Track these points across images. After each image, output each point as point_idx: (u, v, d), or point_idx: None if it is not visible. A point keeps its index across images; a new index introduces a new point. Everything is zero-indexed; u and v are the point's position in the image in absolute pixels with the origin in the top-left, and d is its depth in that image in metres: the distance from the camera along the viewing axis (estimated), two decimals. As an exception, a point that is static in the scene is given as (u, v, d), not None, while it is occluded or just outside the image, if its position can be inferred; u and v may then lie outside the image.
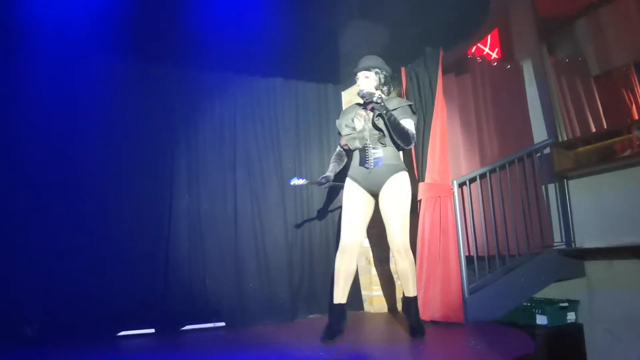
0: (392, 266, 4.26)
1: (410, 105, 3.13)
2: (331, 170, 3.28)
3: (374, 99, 2.90)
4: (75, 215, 3.49)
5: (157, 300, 3.58)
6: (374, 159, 3.03)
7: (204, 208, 3.89)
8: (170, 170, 3.85)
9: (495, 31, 4.87)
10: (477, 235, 3.81)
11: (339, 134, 3.25)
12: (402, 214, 2.97)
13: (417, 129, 3.71)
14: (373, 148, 3.04)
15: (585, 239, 3.91)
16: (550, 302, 3.76)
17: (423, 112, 3.71)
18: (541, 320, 3.64)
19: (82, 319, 3.33)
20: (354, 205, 3.05)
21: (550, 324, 3.61)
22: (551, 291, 3.91)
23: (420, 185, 3.65)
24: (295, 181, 3.24)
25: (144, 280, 3.60)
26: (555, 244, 4.03)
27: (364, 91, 2.99)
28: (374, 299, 4.17)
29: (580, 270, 3.96)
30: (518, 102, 4.46)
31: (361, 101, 3.14)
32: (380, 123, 3.00)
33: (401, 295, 4.09)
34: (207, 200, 3.92)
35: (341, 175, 3.30)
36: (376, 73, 3.10)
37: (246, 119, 4.21)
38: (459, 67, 4.37)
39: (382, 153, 3.02)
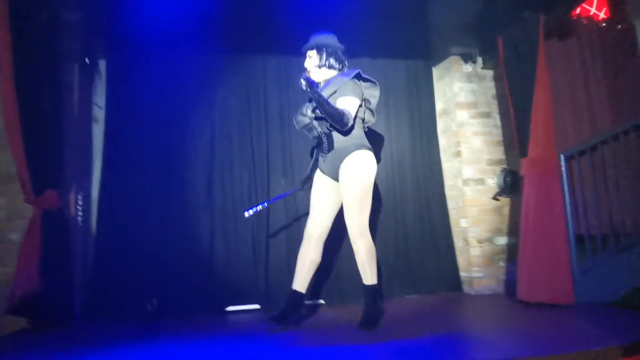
0: (495, 246, 4.11)
1: (355, 77, 2.87)
2: (311, 170, 3.10)
3: (303, 86, 2.66)
4: (185, 203, 3.82)
5: (261, 278, 3.77)
6: (327, 145, 2.89)
7: (299, 192, 3.99)
8: (267, 158, 3.99)
9: (603, -12, 4.43)
10: (588, 213, 3.53)
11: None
12: (358, 197, 2.77)
13: (518, 100, 3.52)
14: (324, 134, 2.90)
15: None
16: (675, 284, 3.41)
17: (524, 82, 3.47)
18: (664, 303, 3.32)
19: (195, 296, 3.62)
20: (318, 193, 2.98)
21: (676, 308, 3.28)
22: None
23: (523, 161, 3.44)
24: (250, 212, 3.09)
25: (248, 260, 3.83)
26: (679, 220, 3.63)
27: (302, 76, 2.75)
28: (474, 281, 4.04)
29: None
30: (632, 65, 4.05)
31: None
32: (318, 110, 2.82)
33: (504, 277, 4.02)
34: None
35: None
36: (318, 51, 2.94)
37: (335, 102, 4.23)
38: (562, 31, 4.05)
39: (334, 137, 2.86)
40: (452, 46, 4.25)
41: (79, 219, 3.64)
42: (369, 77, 2.96)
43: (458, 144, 4.23)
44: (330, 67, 2.95)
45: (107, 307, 3.49)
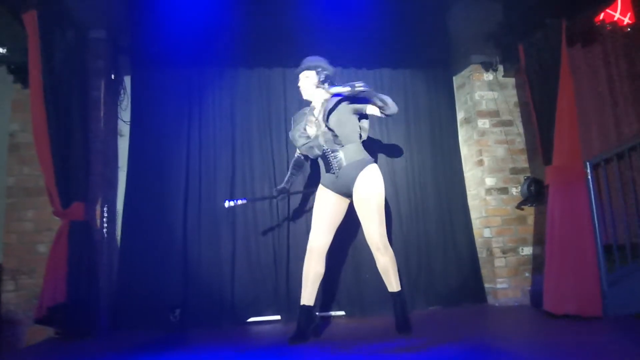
0: (520, 257, 4.02)
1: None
2: (287, 182, 3.19)
3: (362, 87, 2.73)
4: (207, 214, 3.88)
5: (281, 290, 3.77)
6: (337, 162, 2.91)
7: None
8: (287, 170, 3.97)
9: (627, -7, 4.34)
10: (616, 222, 3.44)
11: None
12: (377, 210, 2.87)
13: (541, 108, 3.47)
14: (332, 151, 2.92)
15: None
16: None
17: (546, 90, 3.42)
18: (700, 315, 3.19)
19: (217, 306, 3.67)
20: (322, 208, 2.97)
21: None
22: None
23: (548, 169, 3.37)
24: (230, 203, 3.09)
25: (269, 271, 3.85)
26: None
27: (350, 84, 2.79)
28: (498, 292, 3.96)
29: None
30: (659, 70, 3.95)
31: (311, 106, 3.08)
32: (334, 122, 2.87)
33: (529, 288, 3.93)
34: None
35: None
36: (317, 72, 3.00)
37: (356, 112, 4.23)
38: (585, 37, 3.97)
39: (343, 154, 2.90)
40: (473, 55, 4.24)
41: (104, 230, 3.72)
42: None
43: (480, 152, 4.18)
44: (325, 86, 3.02)
45: (131, 317, 3.56)
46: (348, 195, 2.97)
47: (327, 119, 2.89)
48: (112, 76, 3.93)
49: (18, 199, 3.65)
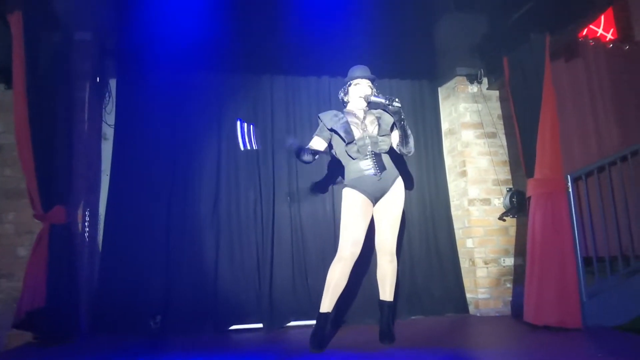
0: (502, 267, 4.06)
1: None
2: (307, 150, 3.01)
3: (398, 105, 2.83)
4: (191, 220, 3.85)
5: (264, 297, 3.74)
6: (380, 166, 2.97)
7: (304, 211, 4.01)
8: (272, 176, 4.02)
9: (610, 10, 4.45)
10: (596, 235, 3.49)
11: (341, 140, 3.01)
12: (399, 220, 3.02)
13: (524, 121, 3.53)
14: (377, 155, 2.98)
15: None
16: (687, 309, 3.34)
17: (530, 103, 3.48)
18: (676, 328, 3.25)
19: (198, 314, 3.62)
20: (361, 217, 2.92)
21: (687, 333, 3.21)
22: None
23: (530, 181, 3.42)
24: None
25: (252, 278, 3.82)
26: (690, 243, 3.58)
27: (388, 97, 2.86)
28: (480, 302, 3.99)
29: None
30: (640, 86, 4.04)
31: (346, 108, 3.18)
32: (387, 128, 3.02)
33: (510, 299, 3.96)
34: (308, 203, 4.03)
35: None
36: (373, 84, 3.16)
37: (342, 120, 4.24)
38: (569, 52, 4.05)
39: (384, 159, 3.01)
40: (458, 67, 4.29)
41: (86, 234, 3.67)
42: None
43: (464, 163, 4.22)
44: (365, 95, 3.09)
45: (111, 322, 3.50)
46: (378, 199, 2.99)
47: (379, 125, 3.00)
48: (98, 79, 3.90)
49: (-2, 201, 3.60)
